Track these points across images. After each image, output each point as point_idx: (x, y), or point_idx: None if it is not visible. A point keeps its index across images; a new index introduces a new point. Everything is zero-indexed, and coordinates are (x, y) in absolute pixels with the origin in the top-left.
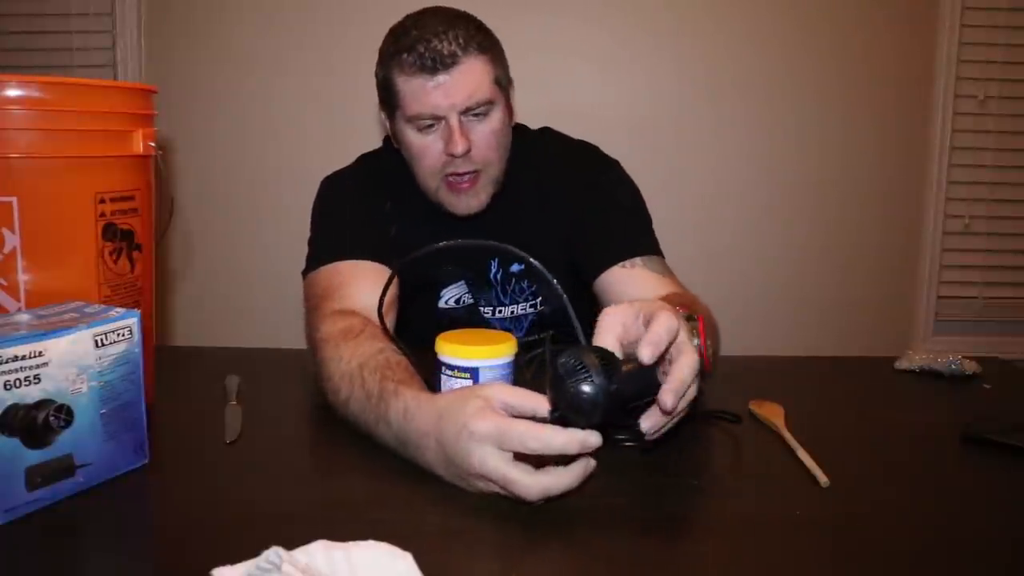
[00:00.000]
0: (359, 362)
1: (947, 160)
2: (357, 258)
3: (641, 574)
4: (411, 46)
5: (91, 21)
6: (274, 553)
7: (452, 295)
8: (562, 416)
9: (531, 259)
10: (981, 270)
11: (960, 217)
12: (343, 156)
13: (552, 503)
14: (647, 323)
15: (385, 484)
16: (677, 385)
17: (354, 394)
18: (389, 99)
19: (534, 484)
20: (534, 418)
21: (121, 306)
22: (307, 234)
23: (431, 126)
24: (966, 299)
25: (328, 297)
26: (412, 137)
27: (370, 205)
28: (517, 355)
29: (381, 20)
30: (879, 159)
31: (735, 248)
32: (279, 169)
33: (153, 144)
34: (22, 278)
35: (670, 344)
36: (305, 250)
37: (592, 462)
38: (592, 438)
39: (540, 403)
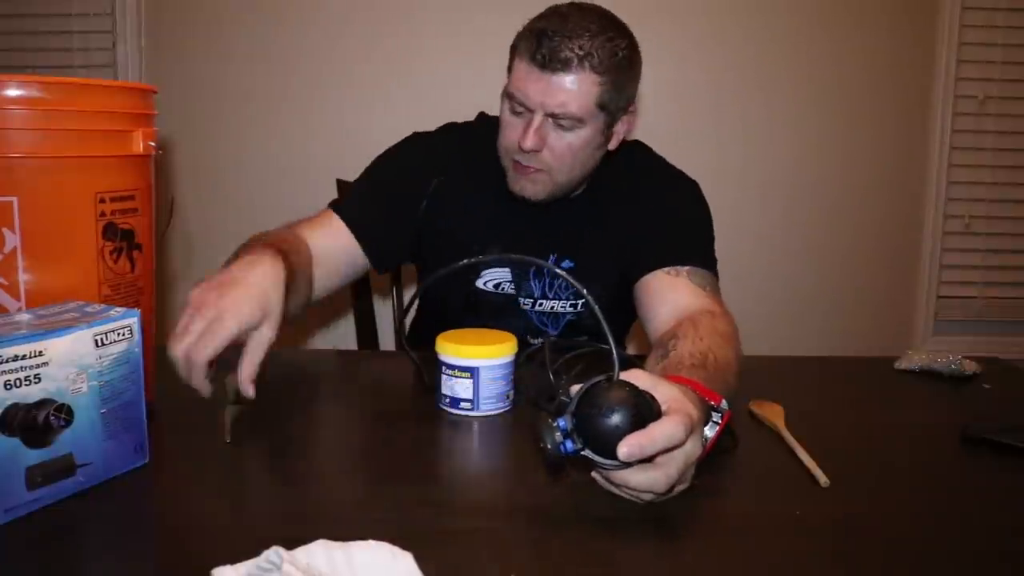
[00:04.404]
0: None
1: (947, 160)
2: (353, 230)
3: (641, 574)
4: (541, 31)
5: (91, 21)
6: (274, 553)
7: (492, 279)
8: (586, 448)
9: (561, 270)
10: (981, 270)
11: (960, 217)
12: (343, 155)
13: (552, 503)
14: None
15: (385, 484)
16: (644, 441)
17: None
18: (509, 64)
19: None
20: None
21: (121, 306)
22: None
23: (519, 111)
24: (966, 299)
25: (309, 224)
26: (504, 109)
27: (413, 183)
28: (517, 355)
29: (381, 20)
30: (879, 159)
31: (735, 248)
32: (279, 169)
33: (153, 144)
34: (22, 278)
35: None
36: None
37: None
38: None
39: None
